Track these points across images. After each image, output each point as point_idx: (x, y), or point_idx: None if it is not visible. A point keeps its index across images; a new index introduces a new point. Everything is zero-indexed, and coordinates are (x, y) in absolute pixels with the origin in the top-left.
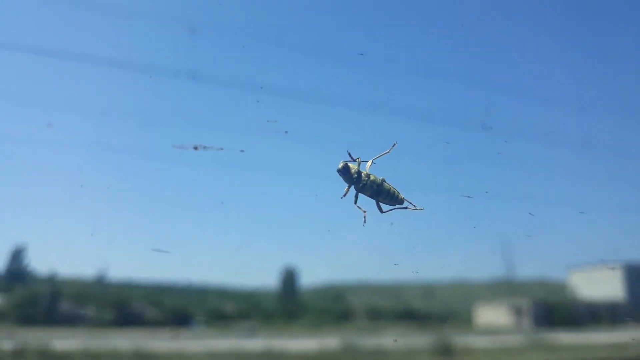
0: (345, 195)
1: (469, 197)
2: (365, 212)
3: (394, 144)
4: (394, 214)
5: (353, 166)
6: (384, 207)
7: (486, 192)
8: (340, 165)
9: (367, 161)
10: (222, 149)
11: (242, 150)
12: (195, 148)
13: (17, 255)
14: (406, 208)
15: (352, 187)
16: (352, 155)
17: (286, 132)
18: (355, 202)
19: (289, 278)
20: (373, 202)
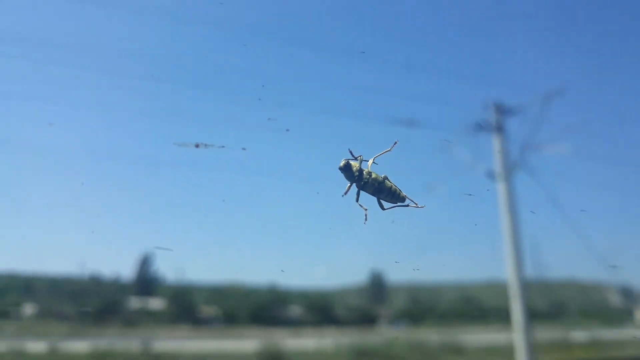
0: (346, 193)
1: (470, 194)
2: (366, 210)
3: (395, 142)
4: (399, 214)
5: (355, 164)
6: (385, 204)
7: (487, 190)
8: (342, 163)
9: (369, 160)
10: (223, 147)
11: (244, 148)
12: (197, 146)
13: (145, 262)
14: (407, 205)
15: (354, 184)
16: (354, 154)
17: (287, 130)
18: (357, 200)
19: (378, 278)
20: (374, 200)
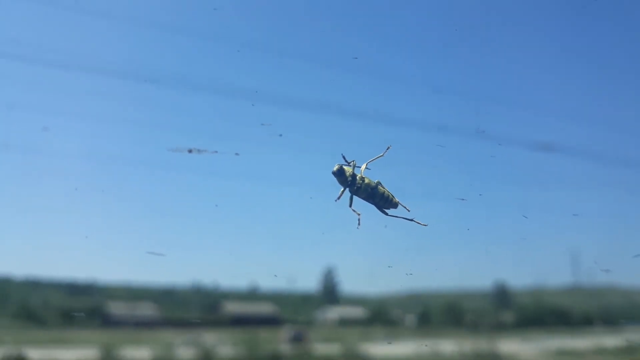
0: (339, 197)
1: (463, 199)
2: (359, 214)
3: (388, 147)
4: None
5: (348, 169)
6: (389, 211)
7: (480, 195)
8: (336, 167)
9: (362, 165)
10: (216, 152)
11: (237, 154)
12: (190, 151)
13: (329, 274)
14: (412, 220)
15: (347, 189)
16: (347, 159)
17: (280, 135)
18: (350, 205)
19: (501, 287)
20: (368, 204)
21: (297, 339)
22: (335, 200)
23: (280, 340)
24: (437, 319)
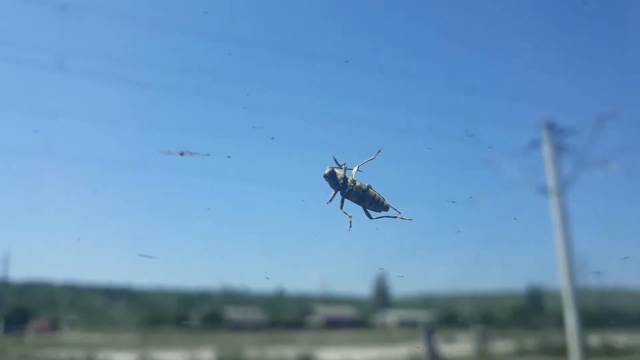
0: (331, 200)
1: (454, 202)
2: (351, 217)
3: (379, 150)
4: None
5: (339, 172)
6: (373, 214)
7: (470, 197)
8: (327, 170)
9: (353, 168)
10: (208, 154)
11: (228, 156)
12: (182, 154)
13: (381, 280)
14: (395, 217)
15: (338, 192)
16: (338, 162)
17: (272, 138)
18: (341, 208)
19: (535, 289)
20: (358, 207)
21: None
22: (327, 203)
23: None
24: (500, 319)
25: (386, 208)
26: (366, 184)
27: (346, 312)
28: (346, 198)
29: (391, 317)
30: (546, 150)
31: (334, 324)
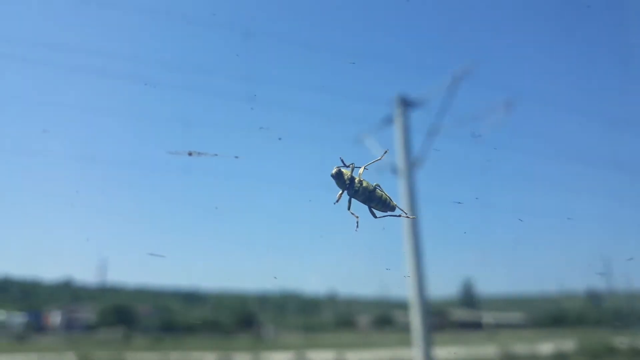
0: (338, 200)
1: (460, 202)
2: (357, 217)
3: (386, 151)
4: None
5: (346, 172)
6: (378, 213)
7: (476, 199)
8: (334, 170)
9: (360, 168)
10: (216, 154)
11: (236, 157)
12: (190, 154)
13: (468, 282)
14: (399, 215)
15: (345, 192)
16: (345, 162)
17: (280, 139)
18: (349, 208)
19: (594, 294)
20: (366, 207)
21: None
22: (334, 203)
23: None
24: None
25: (392, 208)
26: (373, 184)
27: (472, 316)
28: (353, 198)
29: (486, 318)
30: (397, 127)
31: (465, 327)
